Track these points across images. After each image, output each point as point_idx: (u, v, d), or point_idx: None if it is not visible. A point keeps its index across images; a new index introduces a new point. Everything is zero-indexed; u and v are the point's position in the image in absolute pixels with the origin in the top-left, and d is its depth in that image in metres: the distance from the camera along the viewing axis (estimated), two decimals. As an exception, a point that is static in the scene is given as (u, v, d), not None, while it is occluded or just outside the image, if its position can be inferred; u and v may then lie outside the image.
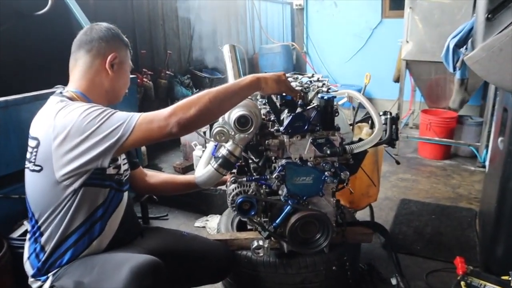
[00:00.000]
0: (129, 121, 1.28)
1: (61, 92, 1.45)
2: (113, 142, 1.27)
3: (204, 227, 2.89)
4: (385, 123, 2.02)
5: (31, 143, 1.39)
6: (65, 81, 1.53)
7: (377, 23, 5.96)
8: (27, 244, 1.48)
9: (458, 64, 2.29)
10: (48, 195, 1.36)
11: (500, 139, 1.98)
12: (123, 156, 1.61)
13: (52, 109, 1.35)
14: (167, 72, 4.44)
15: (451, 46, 2.24)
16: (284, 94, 1.59)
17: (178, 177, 1.94)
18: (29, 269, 1.45)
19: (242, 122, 1.49)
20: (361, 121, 2.27)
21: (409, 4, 3.96)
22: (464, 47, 2.18)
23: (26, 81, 2.40)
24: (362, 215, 2.75)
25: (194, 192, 1.90)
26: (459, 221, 2.92)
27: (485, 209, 2.50)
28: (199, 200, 3.07)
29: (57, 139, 1.28)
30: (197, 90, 4.45)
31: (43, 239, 1.40)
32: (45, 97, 1.49)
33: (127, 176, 1.60)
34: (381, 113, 2.06)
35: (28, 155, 1.39)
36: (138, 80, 3.85)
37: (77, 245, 1.40)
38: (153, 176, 1.88)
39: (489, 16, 1.53)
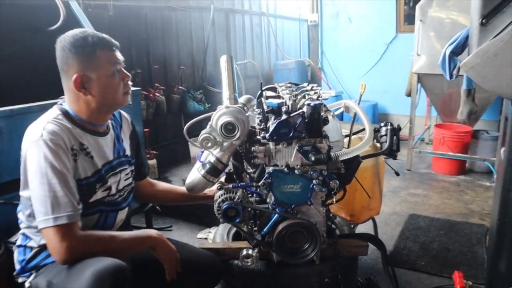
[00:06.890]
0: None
1: (61, 104, 1.50)
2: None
3: (206, 238, 2.89)
4: (386, 134, 2.00)
5: None
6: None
7: (392, 38, 5.92)
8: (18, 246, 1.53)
9: (455, 72, 2.24)
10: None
11: (502, 149, 1.91)
12: (127, 171, 1.64)
13: (33, 128, 1.41)
14: (179, 87, 4.51)
15: (447, 53, 2.20)
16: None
17: (178, 187, 1.96)
18: (16, 267, 1.50)
19: (229, 129, 1.50)
20: (359, 132, 2.24)
21: (420, 17, 3.92)
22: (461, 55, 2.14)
23: (41, 94, 2.47)
24: (366, 229, 2.69)
25: (198, 204, 1.93)
26: (469, 237, 2.83)
27: (491, 223, 2.40)
28: (203, 211, 3.07)
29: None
30: (209, 105, 4.52)
31: (31, 239, 1.47)
32: (49, 107, 1.53)
33: (127, 191, 1.63)
34: (382, 124, 2.05)
35: None
36: (151, 95, 3.93)
37: None
38: (155, 184, 1.93)
39: (483, 21, 1.49)
